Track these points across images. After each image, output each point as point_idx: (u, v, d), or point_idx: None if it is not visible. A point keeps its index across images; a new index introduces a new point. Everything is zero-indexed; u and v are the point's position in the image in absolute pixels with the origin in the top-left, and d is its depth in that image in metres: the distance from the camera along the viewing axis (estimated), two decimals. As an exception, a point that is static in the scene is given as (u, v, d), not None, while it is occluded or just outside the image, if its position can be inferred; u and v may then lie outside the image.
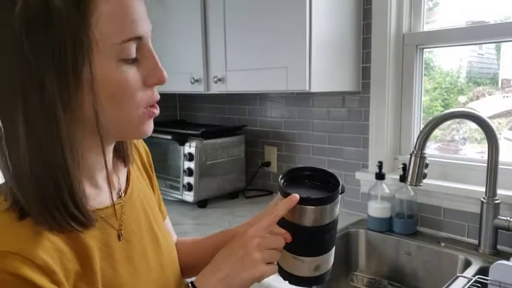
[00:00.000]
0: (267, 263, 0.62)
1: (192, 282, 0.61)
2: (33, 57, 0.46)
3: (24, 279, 0.45)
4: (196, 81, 1.61)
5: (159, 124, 1.98)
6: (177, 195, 1.73)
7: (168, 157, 1.78)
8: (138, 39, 0.52)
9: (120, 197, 0.63)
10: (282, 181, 0.68)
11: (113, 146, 0.61)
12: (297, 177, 0.70)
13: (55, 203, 0.48)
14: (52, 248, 0.48)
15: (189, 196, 1.67)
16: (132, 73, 0.52)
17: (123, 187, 0.65)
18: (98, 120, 0.50)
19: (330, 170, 0.69)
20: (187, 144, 1.69)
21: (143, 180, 0.75)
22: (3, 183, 0.51)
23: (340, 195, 0.65)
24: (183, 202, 1.71)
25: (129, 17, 0.50)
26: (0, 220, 0.49)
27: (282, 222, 0.63)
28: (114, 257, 0.56)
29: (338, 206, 0.65)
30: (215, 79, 1.53)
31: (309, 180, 0.71)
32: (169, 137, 1.74)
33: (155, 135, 1.84)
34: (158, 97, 0.57)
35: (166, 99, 2.25)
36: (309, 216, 0.62)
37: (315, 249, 0.65)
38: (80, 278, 0.51)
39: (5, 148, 0.48)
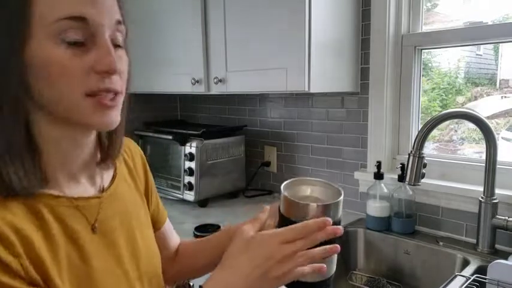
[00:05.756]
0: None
1: (201, 286, 0.60)
2: None
3: None
4: (197, 82, 1.62)
5: (160, 124, 2.01)
6: (178, 195, 1.74)
7: (169, 157, 1.80)
8: (80, 20, 0.51)
9: (101, 191, 0.65)
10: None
11: (90, 138, 0.62)
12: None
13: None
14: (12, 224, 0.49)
15: (189, 195, 1.68)
16: (73, 56, 0.51)
17: (106, 185, 0.67)
18: (40, 97, 0.52)
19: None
20: (188, 144, 1.70)
21: (134, 186, 0.75)
22: None
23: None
24: (184, 201, 1.72)
25: None
26: None
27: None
28: (85, 248, 0.58)
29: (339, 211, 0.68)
30: (215, 80, 1.54)
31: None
32: (170, 137, 1.75)
33: (156, 135, 1.86)
34: (110, 87, 0.55)
35: (167, 100, 2.26)
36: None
37: None
38: (41, 258, 0.51)
39: None
